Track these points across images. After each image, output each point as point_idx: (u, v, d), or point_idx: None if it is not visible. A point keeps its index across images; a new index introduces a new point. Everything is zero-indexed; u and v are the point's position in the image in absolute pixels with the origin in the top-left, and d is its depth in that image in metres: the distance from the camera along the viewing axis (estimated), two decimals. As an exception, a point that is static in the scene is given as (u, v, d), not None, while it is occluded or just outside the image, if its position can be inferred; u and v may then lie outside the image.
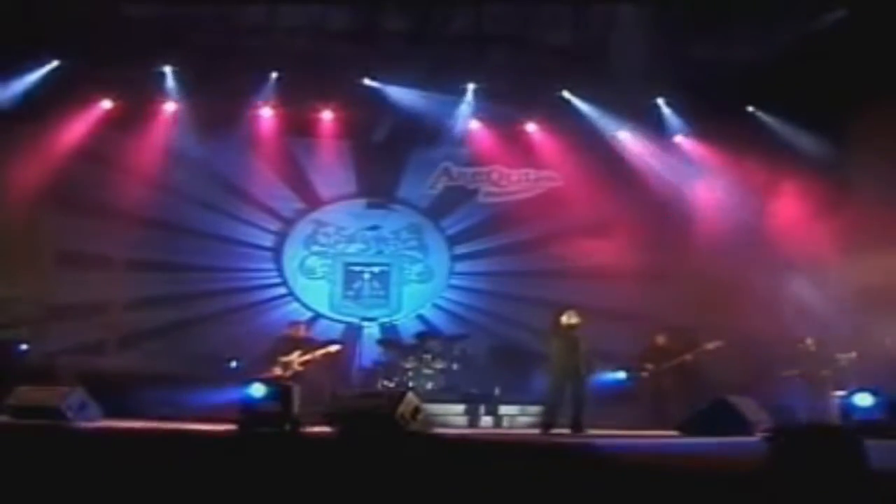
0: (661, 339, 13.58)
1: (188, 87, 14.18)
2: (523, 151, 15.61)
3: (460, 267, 15.97)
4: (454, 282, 15.94)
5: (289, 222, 15.78)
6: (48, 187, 13.95)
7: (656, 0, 13.48)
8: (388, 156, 15.62)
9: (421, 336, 14.27)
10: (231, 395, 10.81)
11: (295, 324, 13.60)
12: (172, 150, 14.58)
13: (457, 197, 16.07)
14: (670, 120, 14.95)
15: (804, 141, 14.06)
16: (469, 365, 13.98)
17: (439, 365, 13.64)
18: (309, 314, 15.22)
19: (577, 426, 10.83)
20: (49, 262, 14.56)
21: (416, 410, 9.64)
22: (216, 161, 15.08)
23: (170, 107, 14.57)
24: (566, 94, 14.67)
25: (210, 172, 15.08)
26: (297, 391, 10.07)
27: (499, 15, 13.92)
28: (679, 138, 15.20)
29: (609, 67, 13.92)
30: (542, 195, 15.80)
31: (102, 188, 14.31)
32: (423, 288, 15.90)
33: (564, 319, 11.24)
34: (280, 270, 15.66)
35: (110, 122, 14.39)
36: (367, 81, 14.46)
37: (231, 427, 9.44)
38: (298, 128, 15.16)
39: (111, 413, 11.00)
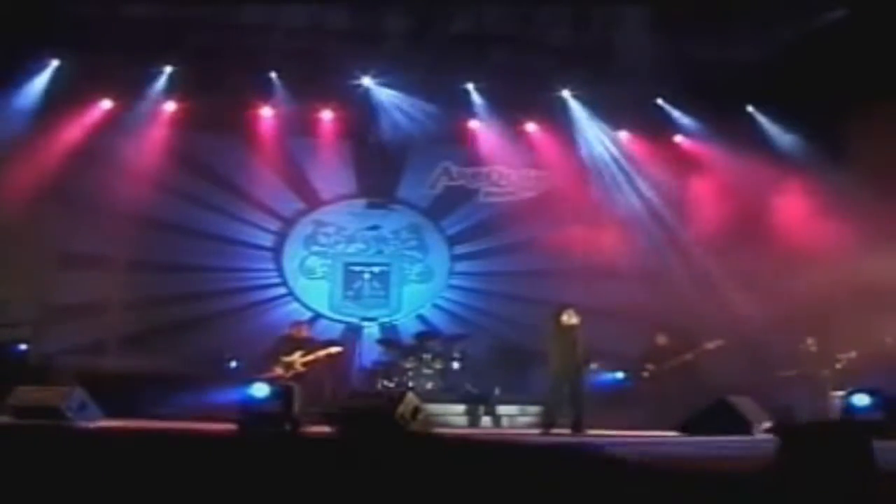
0: (661, 339, 13.60)
1: (188, 87, 14.19)
2: (523, 151, 15.61)
3: (460, 267, 15.98)
4: (454, 282, 15.95)
5: (289, 222, 15.78)
6: (48, 187, 13.94)
7: (657, 0, 13.48)
8: (388, 156, 15.62)
9: (421, 336, 14.27)
10: (231, 395, 10.81)
11: (297, 324, 13.60)
12: (172, 150, 14.58)
13: (457, 197, 16.07)
14: (670, 119, 14.96)
15: (804, 141, 14.07)
16: (469, 365, 13.97)
17: (439, 365, 13.65)
18: (309, 314, 15.22)
19: (577, 426, 10.83)
20: (49, 262, 14.55)
21: (416, 410, 9.63)
22: (216, 161, 15.10)
23: (170, 107, 14.58)
24: (566, 93, 14.70)
25: (210, 172, 15.09)
26: (298, 391, 10.07)
27: (499, 15, 13.92)
28: (679, 138, 15.21)
29: (609, 67, 13.92)
30: (542, 195, 15.80)
31: (102, 188, 14.27)
32: (422, 288, 15.90)
33: (564, 319, 11.24)
34: (280, 270, 15.66)
35: (110, 122, 14.39)
36: (367, 81, 14.48)
37: (231, 427, 9.44)
38: (298, 128, 15.16)
39: (111, 413, 10.99)
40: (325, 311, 15.54)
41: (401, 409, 9.43)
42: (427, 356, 13.67)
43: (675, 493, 5.40)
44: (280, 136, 15.13)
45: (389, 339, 14.79)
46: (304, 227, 15.82)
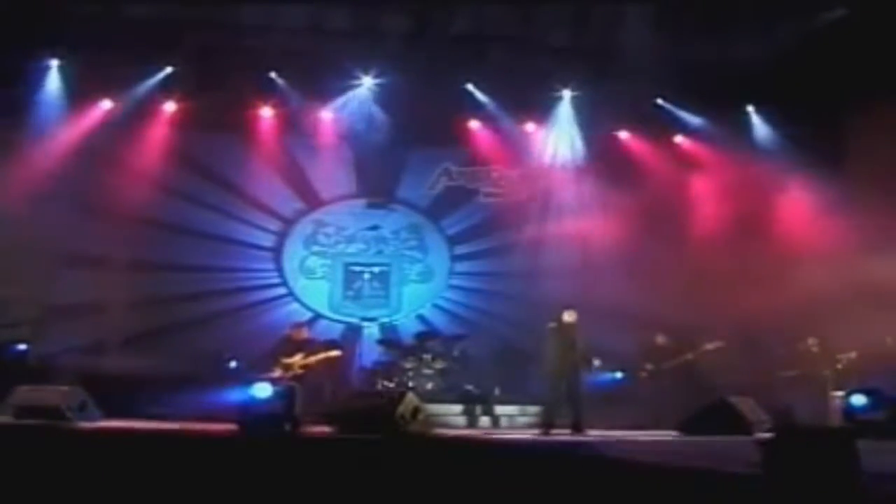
0: (661, 339, 13.59)
1: (188, 86, 14.19)
2: (523, 151, 15.61)
3: (460, 267, 15.98)
4: (454, 282, 15.94)
5: (289, 222, 15.78)
6: (48, 187, 13.93)
7: (657, 0, 13.48)
8: (388, 156, 15.61)
9: (421, 336, 14.26)
10: (231, 395, 10.81)
11: (297, 325, 13.56)
12: (172, 150, 14.58)
13: (457, 197, 16.07)
14: (670, 119, 14.96)
15: (804, 140, 14.07)
16: (469, 365, 13.96)
17: (439, 365, 13.63)
18: (309, 314, 15.22)
19: (577, 426, 10.83)
20: (49, 262, 14.54)
21: (416, 410, 9.65)
22: (216, 161, 15.09)
23: (170, 107, 14.58)
24: (566, 93, 14.70)
25: (210, 172, 15.08)
26: (299, 392, 10.08)
27: (499, 15, 13.92)
28: (679, 137, 15.20)
29: (609, 67, 13.92)
30: (542, 195, 15.78)
31: (102, 188, 14.28)
32: (423, 288, 15.89)
33: (563, 318, 11.25)
34: (280, 270, 15.66)
35: (110, 122, 14.39)
36: (367, 81, 14.48)
37: (231, 427, 9.44)
38: (298, 128, 15.16)
39: (111, 413, 11.00)
40: (325, 311, 15.54)
41: (401, 409, 9.44)
42: (427, 356, 13.66)
43: (675, 493, 5.40)
44: (280, 136, 15.13)
45: (389, 339, 14.78)
46: (304, 227, 15.81)
